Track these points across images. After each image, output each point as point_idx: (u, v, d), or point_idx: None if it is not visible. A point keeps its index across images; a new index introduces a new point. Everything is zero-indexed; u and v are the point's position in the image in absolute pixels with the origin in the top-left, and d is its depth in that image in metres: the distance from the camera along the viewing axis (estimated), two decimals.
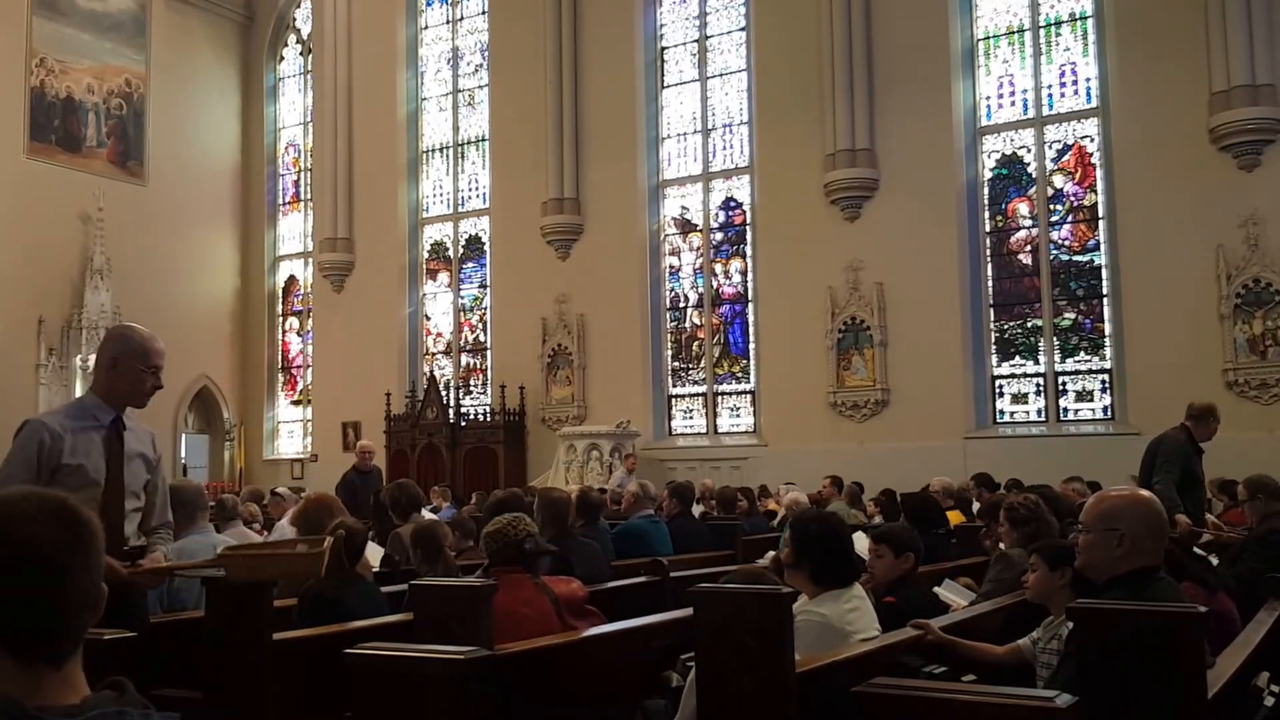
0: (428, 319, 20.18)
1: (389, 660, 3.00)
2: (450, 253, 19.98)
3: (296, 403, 21.76)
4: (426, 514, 7.46)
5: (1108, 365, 14.32)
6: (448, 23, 20.36)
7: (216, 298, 21.23)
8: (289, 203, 22.40)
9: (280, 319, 22.15)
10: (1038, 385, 14.77)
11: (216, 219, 21.47)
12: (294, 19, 22.36)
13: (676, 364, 17.59)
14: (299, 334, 21.93)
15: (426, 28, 20.56)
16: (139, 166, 20.12)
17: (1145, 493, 3.58)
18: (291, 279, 22.19)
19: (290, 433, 21.80)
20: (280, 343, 22.02)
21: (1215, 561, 5.60)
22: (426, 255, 20.25)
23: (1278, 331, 12.86)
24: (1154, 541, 3.20)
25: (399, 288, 19.96)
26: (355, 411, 19.62)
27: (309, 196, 21.80)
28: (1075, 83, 14.84)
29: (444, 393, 18.68)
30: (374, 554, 6.05)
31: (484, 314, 19.54)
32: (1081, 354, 14.56)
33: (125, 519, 3.70)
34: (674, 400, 17.58)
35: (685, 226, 17.71)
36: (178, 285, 20.04)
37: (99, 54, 19.65)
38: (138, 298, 18.77)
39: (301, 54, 22.28)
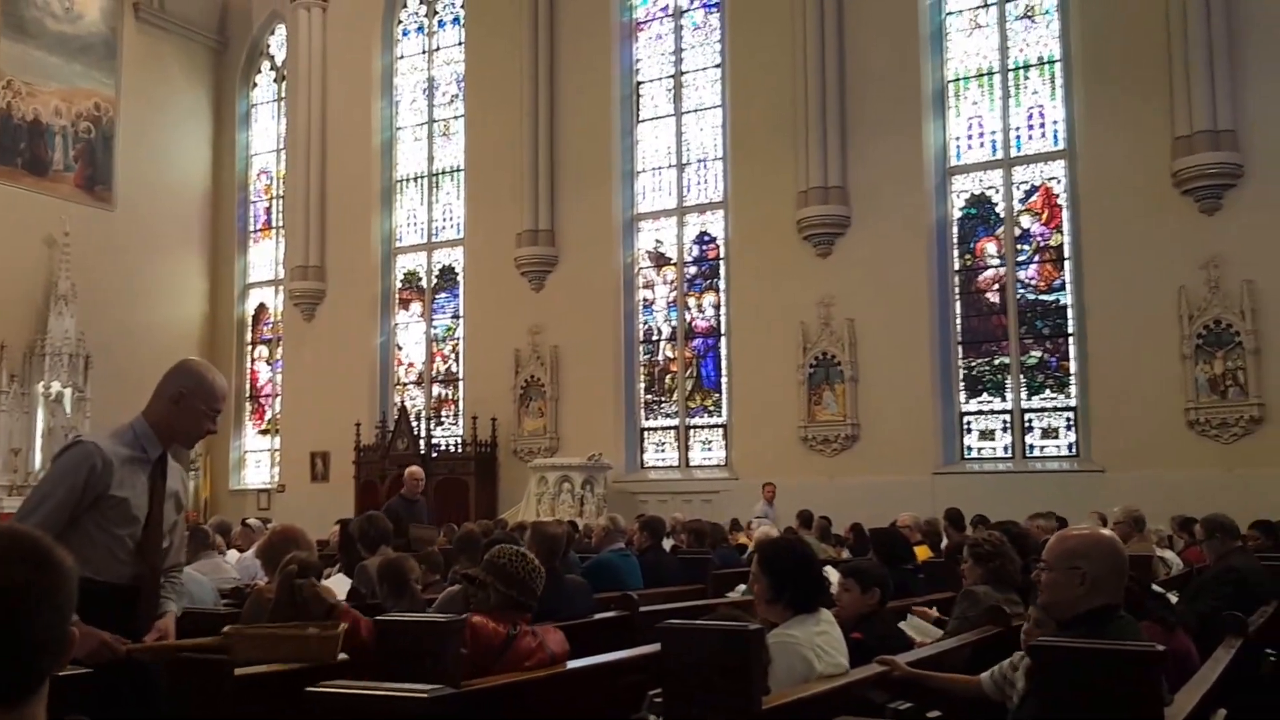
0: (399, 349, 20.14)
1: (352, 699, 2.97)
2: (423, 283, 19.98)
3: (264, 432, 21.59)
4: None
5: (1073, 403, 14.51)
6: (424, 53, 20.47)
7: (183, 325, 21.05)
8: (260, 230, 22.33)
9: (249, 347, 22.02)
10: (1004, 422, 14.93)
11: (185, 245, 21.36)
12: (268, 46, 22.40)
13: (649, 397, 17.64)
14: (268, 362, 21.81)
15: (402, 57, 20.66)
16: (107, 191, 19.99)
17: (1107, 532, 3.66)
18: (261, 307, 22.08)
19: (257, 463, 21.61)
20: (248, 371, 21.87)
21: (1175, 599, 5.69)
22: (399, 285, 20.24)
23: (1238, 372, 13.09)
24: (1115, 580, 3.26)
25: (371, 317, 19.92)
26: (324, 441, 19.50)
27: (280, 224, 21.74)
28: (1043, 125, 15.12)
29: (415, 423, 18.63)
30: (339, 586, 6.00)
31: (456, 344, 19.52)
32: (1047, 391, 14.75)
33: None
34: (646, 433, 17.61)
35: (659, 260, 17.82)
36: (144, 312, 19.88)
37: (68, 76, 19.55)
38: (103, 324, 18.63)
39: (275, 80, 22.30)
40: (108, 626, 3.08)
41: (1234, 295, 13.17)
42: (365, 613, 5.08)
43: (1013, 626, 4.54)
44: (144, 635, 3.27)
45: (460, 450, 18.03)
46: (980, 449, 15.06)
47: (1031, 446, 14.73)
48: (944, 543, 9.91)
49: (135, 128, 20.32)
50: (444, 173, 20.00)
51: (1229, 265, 13.22)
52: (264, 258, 22.16)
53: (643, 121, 18.12)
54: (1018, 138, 15.25)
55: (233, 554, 8.84)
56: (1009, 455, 14.82)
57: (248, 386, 21.79)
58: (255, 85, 22.55)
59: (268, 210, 22.32)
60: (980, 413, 15.09)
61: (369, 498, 17.52)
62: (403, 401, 19.52)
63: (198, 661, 3.27)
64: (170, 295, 20.86)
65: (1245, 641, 4.78)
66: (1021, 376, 14.84)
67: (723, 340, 17.07)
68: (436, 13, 20.42)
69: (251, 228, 22.35)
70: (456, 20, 20.13)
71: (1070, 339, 14.60)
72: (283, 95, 21.89)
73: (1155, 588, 5.32)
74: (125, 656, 3.17)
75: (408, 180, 20.40)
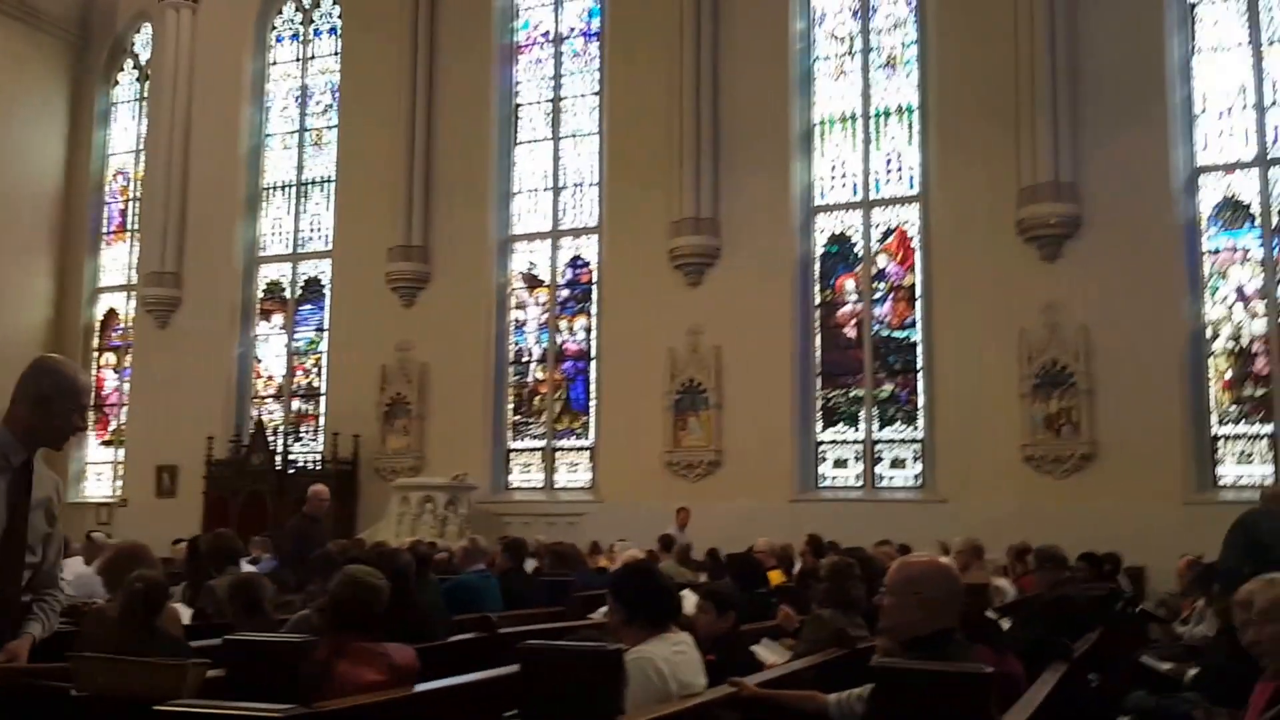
0: (258, 361, 19.60)
1: (205, 718, 2.95)
2: (287, 294, 19.53)
3: (107, 443, 20.66)
4: (245, 566, 7.24)
5: (920, 436, 15.17)
6: (298, 60, 20.10)
7: (25, 330, 19.96)
8: (114, 233, 21.48)
9: (95, 354, 21.08)
10: (857, 452, 15.51)
11: (31, 246, 20.38)
12: (132, 44, 21.62)
13: (517, 418, 17.63)
14: (115, 370, 20.91)
15: (275, 64, 20.23)
16: None
17: (944, 560, 3.92)
18: (112, 312, 21.22)
19: (99, 475, 20.65)
20: (95, 378, 20.91)
21: (1008, 625, 6.06)
22: (261, 295, 19.72)
23: (1071, 411, 13.91)
24: (951, 606, 3.50)
25: (229, 327, 19.34)
26: (173, 455, 18.80)
27: (136, 227, 20.95)
28: (900, 170, 15.81)
29: (272, 438, 18.14)
30: (182, 613, 5.81)
31: (319, 359, 19.12)
32: (897, 424, 15.38)
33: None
34: (512, 454, 17.58)
35: (532, 282, 17.88)
36: None
37: None
38: None
39: (138, 80, 21.54)
40: None
41: (1070, 339, 13.99)
42: (214, 633, 4.99)
43: (857, 649, 4.78)
44: None
45: (320, 468, 17.62)
46: (834, 478, 15.58)
47: (881, 476, 15.33)
48: (797, 567, 10.26)
49: None
50: (314, 183, 19.62)
51: (1066, 310, 14.05)
52: (117, 262, 21.31)
53: (520, 144, 18.18)
54: (877, 181, 15.90)
55: (72, 562, 8.37)
56: (860, 484, 15.38)
57: (92, 394, 20.82)
58: (117, 84, 21.74)
59: (123, 213, 21.47)
60: (835, 442, 15.63)
61: (219, 515, 16.98)
62: (260, 416, 18.99)
63: (36, 688, 3.16)
64: (11, 298, 19.82)
65: (1070, 666, 5.14)
66: (874, 409, 15.45)
67: (592, 364, 17.22)
68: (313, 21, 20.09)
69: (105, 230, 21.46)
70: (334, 30, 19.85)
71: (919, 374, 15.27)
72: (145, 95, 21.15)
73: (989, 614, 5.68)
74: None
75: (275, 188, 19.94)
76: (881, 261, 15.76)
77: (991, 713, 3.12)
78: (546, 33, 18.35)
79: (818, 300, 15.95)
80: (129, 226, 21.31)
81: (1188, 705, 5.94)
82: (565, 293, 17.67)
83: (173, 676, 3.16)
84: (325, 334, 19.08)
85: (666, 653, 3.63)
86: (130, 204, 21.37)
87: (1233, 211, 14.00)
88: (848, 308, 15.87)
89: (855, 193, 15.96)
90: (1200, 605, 8.00)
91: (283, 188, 19.88)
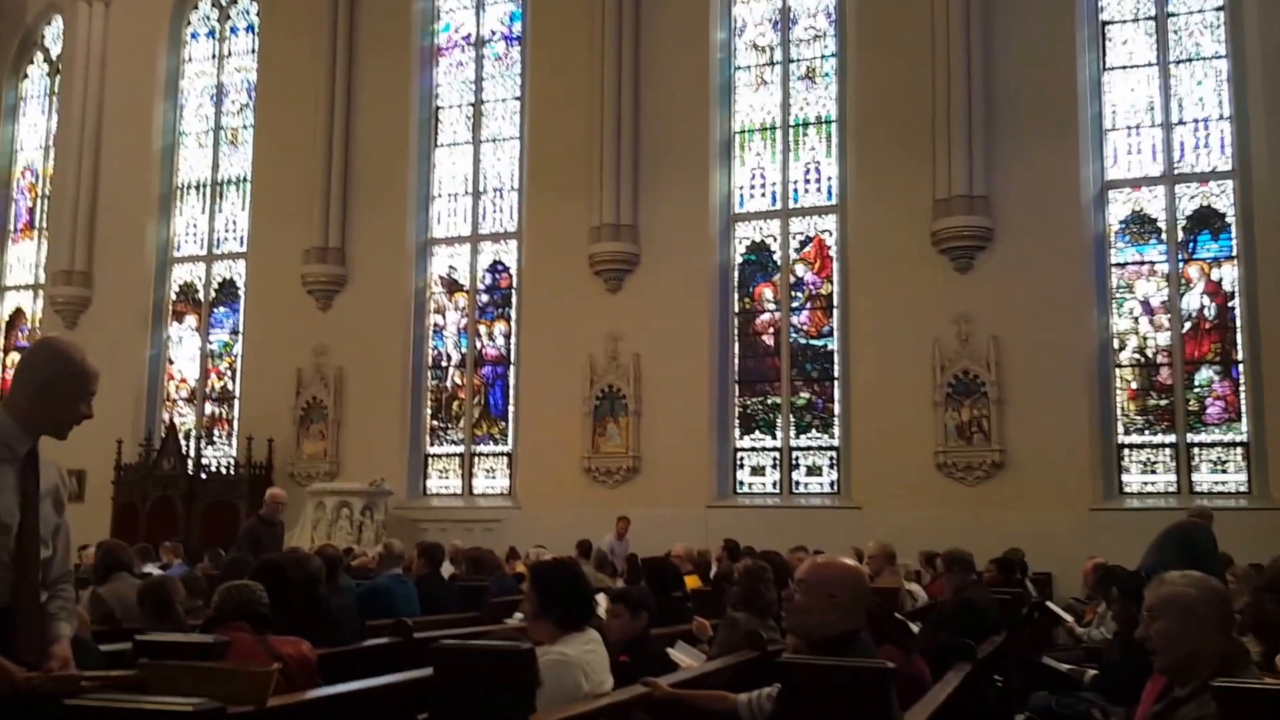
0: (171, 363, 19.14)
1: (114, 712, 2.88)
2: (201, 295, 19.10)
3: None
4: (153, 569, 7.10)
5: (835, 443, 15.41)
6: (214, 58, 19.70)
7: None
8: (21, 230, 20.81)
9: (1, 355, 20.38)
10: (774, 459, 15.69)
11: None
12: (42, 37, 20.99)
13: (435, 423, 17.48)
14: None
15: (190, 60, 19.81)
16: None
17: (853, 562, 4.01)
18: (19, 312, 20.58)
19: None
20: None
21: (918, 628, 6.20)
22: (174, 296, 19.27)
23: (982, 420, 14.26)
24: (859, 607, 3.59)
25: (140, 328, 18.85)
26: (79, 459, 18.14)
27: (45, 225, 20.34)
28: (819, 180, 16.04)
29: (184, 442, 17.72)
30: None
31: (234, 361, 18.74)
32: (814, 431, 15.60)
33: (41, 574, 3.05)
34: (430, 459, 17.43)
35: (451, 286, 17.75)
36: None
37: None
38: None
39: (49, 74, 20.91)
40: None
41: (981, 349, 14.33)
42: (119, 638, 4.89)
43: (769, 651, 4.85)
44: (30, 662, 2.89)
45: (233, 472, 17.27)
46: (751, 484, 15.74)
47: (797, 483, 15.53)
48: (714, 572, 10.36)
49: None
50: (229, 182, 19.25)
51: (978, 321, 14.40)
52: (24, 260, 20.65)
53: (440, 147, 18.06)
54: (795, 191, 16.13)
55: None
56: (777, 491, 15.56)
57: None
58: (25, 77, 21.09)
59: (30, 210, 20.83)
60: (753, 449, 15.79)
61: (128, 520, 16.55)
62: (171, 419, 18.54)
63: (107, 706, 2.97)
64: None
65: (975, 666, 5.28)
66: (791, 416, 15.65)
67: (512, 369, 17.15)
68: (229, 18, 19.71)
69: (11, 228, 20.78)
70: (251, 28, 19.50)
71: (836, 382, 15.51)
72: (56, 90, 20.55)
73: (897, 615, 5.81)
74: (26, 689, 2.79)
75: (189, 187, 19.50)
76: (800, 270, 15.98)
77: (891, 708, 3.20)
78: (468, 35, 18.25)
79: (736, 308, 16.10)
80: (37, 224, 20.69)
81: (1086, 704, 6.15)
82: (485, 298, 17.58)
83: (257, 683, 2.98)
84: (240, 336, 18.70)
85: (579, 652, 3.67)
86: (39, 201, 20.75)
87: (1140, 226, 14.51)
88: (766, 316, 16.06)
89: (774, 202, 16.16)
90: (1101, 609, 8.26)
91: (197, 187, 19.47)
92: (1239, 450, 13.72)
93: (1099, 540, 11.79)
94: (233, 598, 4.08)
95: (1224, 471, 13.59)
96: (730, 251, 16.18)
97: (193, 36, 19.87)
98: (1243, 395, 13.80)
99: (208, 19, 19.84)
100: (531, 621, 3.86)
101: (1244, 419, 13.74)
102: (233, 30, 19.67)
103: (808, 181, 16.06)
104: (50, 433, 3.15)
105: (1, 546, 2.93)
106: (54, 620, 3.06)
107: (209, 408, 18.81)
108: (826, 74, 16.18)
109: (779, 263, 16.00)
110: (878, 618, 4.36)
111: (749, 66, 16.62)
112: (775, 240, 16.08)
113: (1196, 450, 13.88)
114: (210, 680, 2.88)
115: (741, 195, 16.32)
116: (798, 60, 16.39)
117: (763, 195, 16.26)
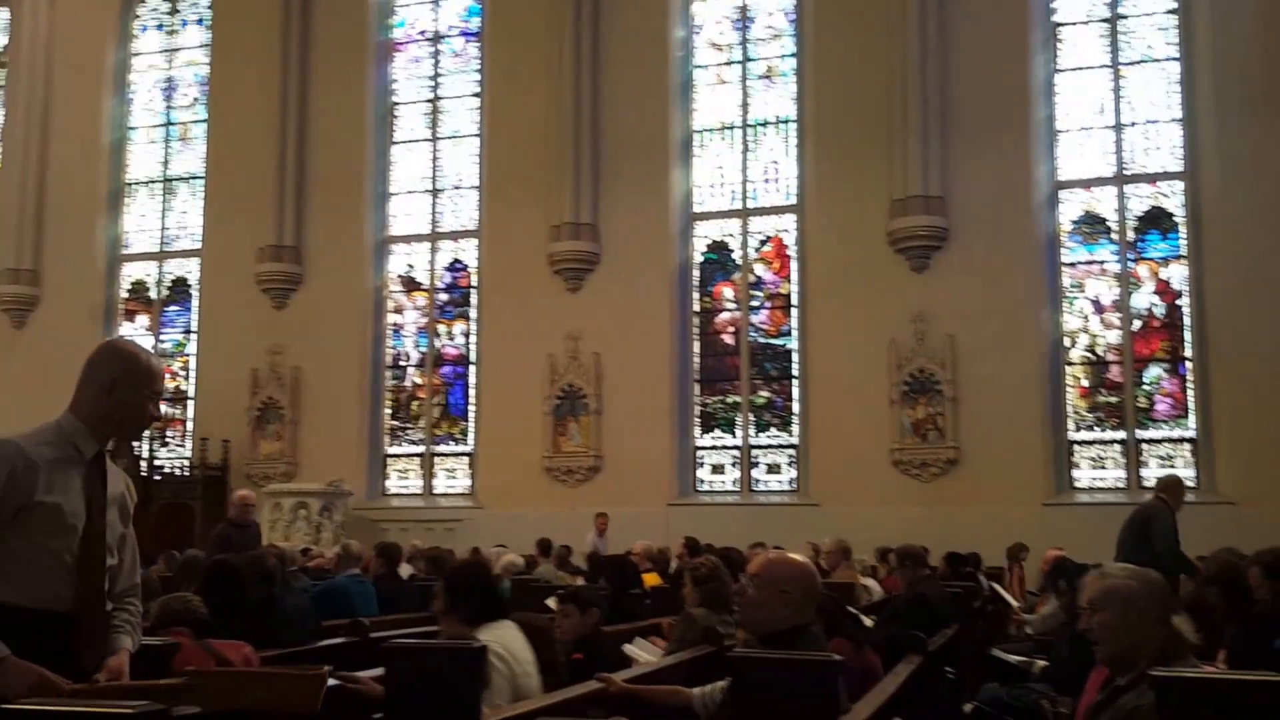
0: None
1: (55, 716, 2.85)
2: (152, 294, 18.84)
3: None
4: None
5: (795, 441, 15.51)
6: (163, 51, 19.43)
7: None
8: None
9: None
10: (734, 457, 15.76)
11: None
12: None
13: (394, 423, 17.37)
14: None
15: (139, 54, 19.52)
16: None
17: (803, 558, 4.05)
18: None
19: None
20: None
21: (871, 622, 6.27)
22: (125, 295, 19.00)
23: (937, 418, 14.43)
24: (809, 602, 3.64)
25: (91, 328, 18.51)
26: None
27: None
28: (777, 180, 16.14)
29: (136, 444, 17.43)
30: None
31: (187, 361, 18.50)
32: (773, 430, 15.70)
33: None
34: (389, 459, 17.32)
35: (410, 285, 17.65)
36: None
37: None
38: None
39: None
40: (41, 662, 2.62)
41: (937, 348, 14.50)
42: None
43: (725, 646, 4.89)
44: (91, 673, 2.77)
45: (187, 473, 17.06)
46: (711, 482, 15.81)
47: (757, 481, 15.62)
48: (673, 569, 10.37)
49: None
50: (181, 179, 19.00)
51: (934, 320, 14.57)
52: None
53: (397, 143, 17.93)
54: (755, 190, 16.22)
55: None
56: (737, 489, 15.65)
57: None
58: None
59: None
60: (713, 448, 15.87)
61: None
62: None
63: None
64: None
65: (926, 659, 5.35)
66: (751, 415, 15.73)
67: (472, 369, 17.09)
68: (179, 10, 19.45)
69: None
70: (201, 21, 19.25)
71: (795, 381, 15.62)
72: (2, 83, 20.15)
73: (851, 609, 5.87)
74: (69, 698, 2.63)
75: (140, 184, 19.23)
76: (759, 269, 16.07)
77: (839, 698, 3.24)
78: (424, 31, 18.15)
79: (696, 307, 16.16)
80: None
81: (1035, 695, 6.26)
82: (444, 296, 17.50)
83: (308, 686, 2.82)
84: (193, 336, 18.47)
85: (489, 636, 3.71)
86: None
87: (1091, 226, 14.75)
88: (726, 315, 16.13)
89: (734, 201, 16.23)
90: (1051, 601, 8.40)
91: (148, 183, 19.20)
92: (1187, 446, 14.01)
93: (1051, 535, 11.96)
94: (170, 608, 4.17)
95: (1172, 466, 13.83)
96: (690, 250, 16.23)
97: (141, 29, 19.59)
98: (1190, 392, 14.09)
99: (156, 11, 19.56)
100: (441, 617, 3.96)
101: (1191, 415, 14.04)
102: (183, 23, 19.42)
103: (767, 181, 16.15)
104: (121, 435, 3.14)
105: (65, 549, 2.80)
106: (117, 632, 2.94)
107: (162, 408, 18.49)
108: (785, 74, 16.28)
109: (739, 262, 16.08)
110: (831, 612, 4.42)
111: (707, 65, 16.68)
112: (735, 239, 16.15)
113: (1145, 446, 14.17)
114: (260, 685, 2.78)
115: (701, 195, 16.37)
116: (756, 60, 16.47)
117: (722, 195, 16.32)
